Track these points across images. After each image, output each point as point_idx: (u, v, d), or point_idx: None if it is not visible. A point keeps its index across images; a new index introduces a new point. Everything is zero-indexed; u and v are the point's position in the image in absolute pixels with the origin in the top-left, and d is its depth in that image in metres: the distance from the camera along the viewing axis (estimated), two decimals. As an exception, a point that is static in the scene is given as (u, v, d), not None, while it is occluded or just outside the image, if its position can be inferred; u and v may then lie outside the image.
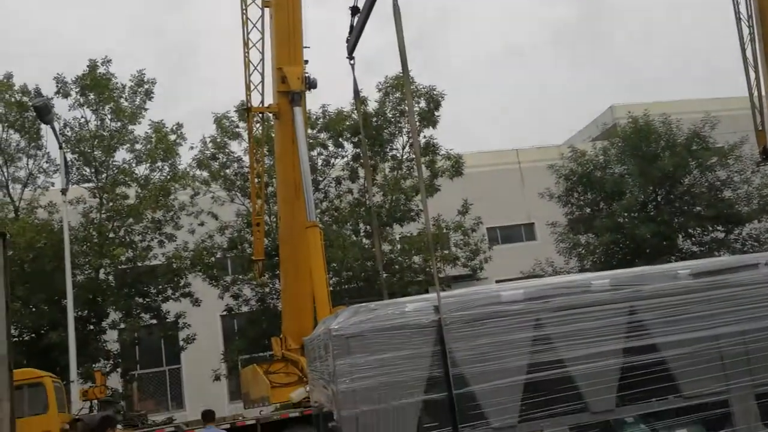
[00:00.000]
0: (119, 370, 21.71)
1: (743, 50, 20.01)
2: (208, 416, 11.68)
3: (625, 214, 23.96)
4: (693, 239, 24.36)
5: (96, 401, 16.15)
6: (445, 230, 21.95)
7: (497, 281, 22.56)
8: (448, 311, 9.43)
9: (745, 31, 20.66)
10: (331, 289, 20.48)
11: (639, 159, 23.70)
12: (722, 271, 10.50)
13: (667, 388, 9.84)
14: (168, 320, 21.19)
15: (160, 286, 20.97)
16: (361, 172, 22.00)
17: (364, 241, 21.47)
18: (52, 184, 22.82)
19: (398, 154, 23.09)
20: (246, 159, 21.16)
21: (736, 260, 11.58)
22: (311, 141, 21.47)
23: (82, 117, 21.53)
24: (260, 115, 18.97)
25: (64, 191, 19.28)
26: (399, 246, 21.03)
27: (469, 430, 9.07)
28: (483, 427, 9.14)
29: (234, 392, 27.55)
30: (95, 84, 21.11)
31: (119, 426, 15.38)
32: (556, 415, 9.45)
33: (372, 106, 21.97)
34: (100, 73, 21.44)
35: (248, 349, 20.98)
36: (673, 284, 10.25)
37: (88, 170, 21.97)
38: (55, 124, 19.62)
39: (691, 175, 24.09)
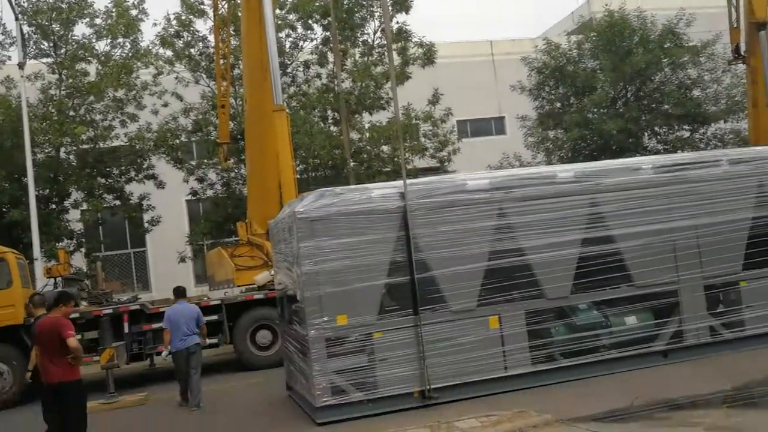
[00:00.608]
0: (83, 250, 21.68)
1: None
2: (179, 292, 11.89)
3: (595, 110, 23.98)
4: (659, 137, 24.60)
5: (60, 278, 16.23)
6: (414, 120, 21.77)
7: (464, 173, 22.69)
8: (414, 198, 9.51)
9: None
10: (298, 176, 20.41)
11: (612, 54, 23.50)
12: (683, 167, 10.69)
13: (621, 277, 10.21)
14: (131, 201, 21.03)
15: (123, 167, 20.68)
16: (331, 57, 21.42)
17: (332, 128, 21.23)
18: (9, 58, 21.89)
19: (369, 39, 22.48)
20: (211, 38, 20.43)
21: (698, 156, 11.78)
22: (279, 22, 20.71)
23: (38, -14, 20.43)
24: (227, -9, 18.27)
25: (21, 65, 18.53)
26: (368, 134, 20.87)
27: (428, 313, 9.36)
28: (442, 310, 9.44)
29: (200, 276, 27.84)
30: (50, -48, 19.92)
31: (84, 303, 15.55)
32: (514, 301, 9.78)
33: (343, -13, 21.19)
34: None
35: (213, 233, 21.04)
36: (635, 178, 10.43)
37: (46, 44, 21.04)
38: (10, -6, 18.66)
39: (662, 72, 24.04)
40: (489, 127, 42.76)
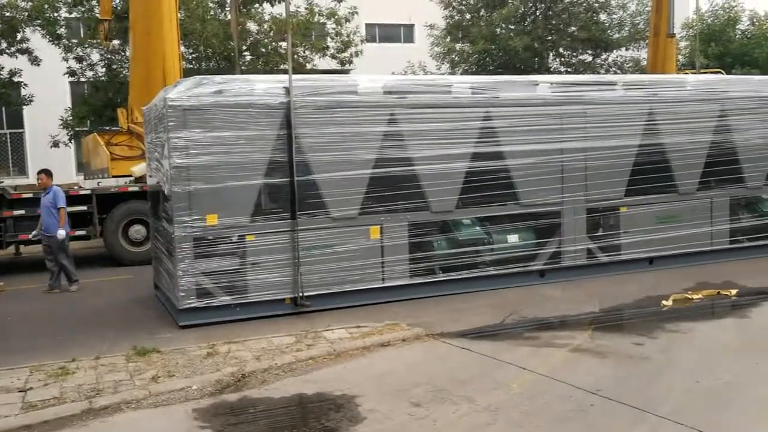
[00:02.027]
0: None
1: None
2: (47, 173, 11.22)
3: (503, 25, 23.63)
4: (563, 59, 24.65)
5: None
6: (318, 16, 20.65)
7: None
8: (300, 94, 8.85)
9: None
10: (189, 66, 19.08)
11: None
12: (579, 87, 10.49)
13: (507, 195, 10.05)
14: (1, 77, 19.08)
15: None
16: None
17: (229, 17, 19.80)
18: None
19: None
20: None
21: (595, 78, 11.66)
22: None
23: None
24: None
25: None
26: (267, 27, 19.63)
27: (307, 218, 8.91)
28: (322, 216, 9.00)
29: (82, 163, 26.23)
30: None
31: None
32: (397, 212, 9.46)
33: None
34: None
35: (92, 118, 19.46)
36: (530, 94, 10.15)
37: None
38: None
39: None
40: (398, 33, 41.76)
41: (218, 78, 9.01)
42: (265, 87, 8.90)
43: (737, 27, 28.24)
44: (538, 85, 10.39)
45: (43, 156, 26.56)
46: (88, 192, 13.54)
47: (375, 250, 9.29)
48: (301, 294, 8.86)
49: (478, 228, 10.01)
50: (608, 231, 10.78)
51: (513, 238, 10.19)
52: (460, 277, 9.80)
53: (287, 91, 8.76)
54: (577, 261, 10.44)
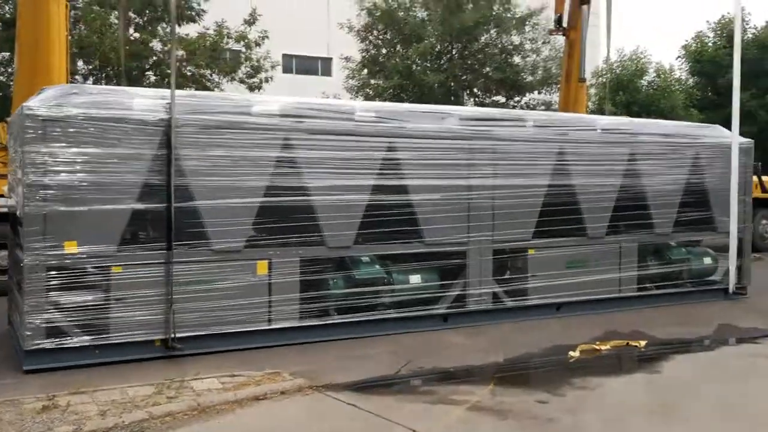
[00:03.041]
0: None
1: None
2: None
3: (419, 60, 23.42)
4: (476, 99, 24.63)
5: None
6: (227, 39, 19.73)
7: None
8: (184, 111, 7.91)
9: None
10: (86, 82, 17.77)
11: (443, 6, 22.94)
12: (490, 121, 9.99)
13: (410, 232, 9.36)
14: None
15: None
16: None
17: (133, 32, 18.66)
18: None
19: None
20: None
21: (506, 113, 11.21)
22: None
23: None
24: None
25: None
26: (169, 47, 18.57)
27: (184, 249, 7.90)
28: (202, 248, 8.02)
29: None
30: None
31: None
32: (289, 245, 8.57)
33: None
34: None
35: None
36: (438, 126, 9.55)
37: None
38: None
39: (488, 34, 23.88)
40: (316, 66, 41.36)
41: (91, 87, 8.01)
42: (145, 101, 7.93)
43: (644, 78, 29.08)
44: (446, 117, 9.81)
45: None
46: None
47: (261, 287, 8.35)
48: (172, 335, 7.80)
49: (377, 266, 9.23)
50: (515, 274, 10.22)
51: (415, 279, 9.47)
52: (356, 319, 8.97)
53: (169, 107, 7.81)
54: (482, 305, 9.80)
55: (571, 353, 8.24)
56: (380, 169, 9.03)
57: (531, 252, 10.19)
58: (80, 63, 17.49)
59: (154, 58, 18.87)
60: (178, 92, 8.02)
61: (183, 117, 7.88)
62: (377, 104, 11.04)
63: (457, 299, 9.67)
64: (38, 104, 7.35)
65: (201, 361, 7.68)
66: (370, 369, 7.56)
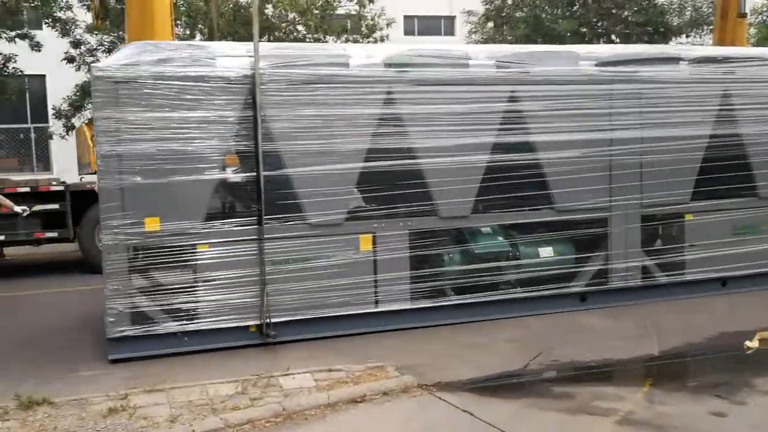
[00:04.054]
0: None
1: None
2: None
3: (548, 8, 21.43)
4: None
5: None
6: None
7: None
8: (270, 65, 6.91)
9: None
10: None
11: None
12: (633, 62, 8.29)
13: (539, 197, 7.94)
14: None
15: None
16: None
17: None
18: None
19: None
20: None
21: (653, 51, 9.41)
22: None
23: None
24: None
25: None
26: (279, 7, 17.80)
27: (277, 224, 6.96)
28: (296, 222, 7.04)
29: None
30: None
31: None
32: (396, 217, 7.43)
33: None
34: None
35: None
36: (570, 69, 8.01)
37: None
38: None
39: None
40: (438, 25, 39.76)
41: (168, 43, 7.18)
42: (225, 55, 7.00)
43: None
44: (580, 58, 8.24)
45: (68, 151, 25.16)
46: (61, 189, 11.84)
47: (366, 265, 7.27)
48: (266, 320, 6.90)
49: (500, 238, 7.91)
50: (669, 244, 8.54)
51: (546, 252, 8.06)
52: (476, 300, 7.72)
53: (253, 60, 6.82)
54: (628, 282, 8.24)
55: (747, 343, 6.54)
56: (501, 124, 7.66)
57: (688, 217, 8.47)
58: (188, 32, 17.07)
59: (266, 24, 18.12)
60: (262, 44, 7.01)
61: (269, 72, 6.87)
62: (495, 47, 9.66)
63: (598, 275, 8.18)
64: (107, 64, 6.58)
65: (296, 350, 6.76)
66: (491, 362, 6.31)
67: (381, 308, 7.35)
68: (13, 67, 17.45)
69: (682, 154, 8.28)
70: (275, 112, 6.91)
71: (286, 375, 5.88)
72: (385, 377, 5.83)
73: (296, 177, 7.00)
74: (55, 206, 11.73)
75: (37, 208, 11.62)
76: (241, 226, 6.92)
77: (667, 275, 8.40)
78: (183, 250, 6.75)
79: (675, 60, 8.58)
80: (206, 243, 6.79)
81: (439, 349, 6.72)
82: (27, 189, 11.67)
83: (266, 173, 6.89)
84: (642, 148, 8.13)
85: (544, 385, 5.79)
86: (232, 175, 7.15)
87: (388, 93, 7.28)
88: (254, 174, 6.90)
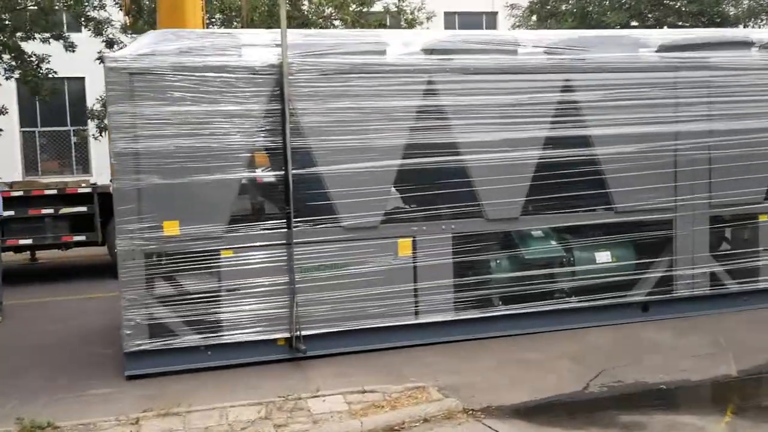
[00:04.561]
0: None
1: None
2: None
3: (596, 0, 20.52)
4: (665, 40, 21.20)
5: None
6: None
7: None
8: (298, 54, 6.31)
9: None
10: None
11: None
12: (700, 47, 7.49)
13: (595, 197, 7.20)
14: (34, 62, 17.50)
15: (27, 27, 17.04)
16: None
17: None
18: None
19: None
20: None
21: (722, 34, 8.56)
22: None
23: None
24: None
25: None
26: (317, 2, 17.29)
27: (307, 228, 6.36)
28: (328, 225, 6.43)
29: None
30: None
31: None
32: (437, 219, 6.77)
33: None
34: None
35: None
36: (630, 56, 7.25)
37: None
38: None
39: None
40: (480, 21, 38.93)
41: (189, 32, 6.65)
42: (250, 44, 6.43)
43: None
44: (639, 43, 7.46)
45: (105, 153, 25.12)
46: (89, 191, 11.46)
47: (405, 272, 6.63)
48: (295, 333, 6.30)
49: (553, 243, 7.19)
50: (741, 249, 7.70)
51: (604, 258, 7.30)
52: (527, 311, 7.01)
53: (281, 49, 6.23)
54: (695, 290, 7.44)
55: (841, 363, 5.74)
56: (554, 117, 6.95)
57: (763, 218, 7.63)
58: (222, 28, 16.65)
59: (299, 19, 17.61)
60: (291, 31, 6.42)
61: (298, 61, 6.28)
62: (546, 32, 8.87)
63: (661, 282, 7.40)
64: (123, 54, 6.05)
65: (328, 366, 6.15)
66: (546, 383, 5.61)
67: (421, 320, 6.69)
68: (47, 68, 17.26)
69: (755, 148, 7.46)
70: (305, 105, 6.31)
71: (315, 396, 5.27)
72: (426, 400, 5.17)
73: (328, 176, 6.39)
74: (83, 209, 11.37)
75: (65, 210, 11.30)
76: (268, 229, 6.34)
77: (738, 283, 7.56)
78: (205, 256, 6.19)
79: (746, 44, 7.73)
80: (230, 248, 6.22)
81: (486, 367, 6.03)
82: (54, 191, 11.33)
83: (295, 172, 6.30)
84: (710, 142, 7.33)
85: (608, 412, 5.06)
86: (259, 174, 6.58)
87: (429, 83, 6.62)
88: (282, 173, 6.31)
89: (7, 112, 17.34)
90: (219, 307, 6.25)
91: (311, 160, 6.38)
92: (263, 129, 6.28)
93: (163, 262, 6.14)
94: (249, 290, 6.27)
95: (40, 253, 13.16)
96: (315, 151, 6.37)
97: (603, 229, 7.30)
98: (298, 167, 6.33)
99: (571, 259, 7.21)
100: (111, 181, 7.06)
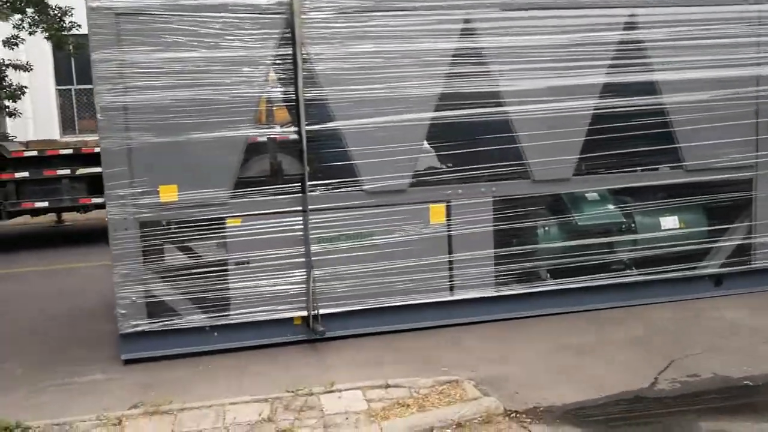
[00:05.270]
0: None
1: None
2: None
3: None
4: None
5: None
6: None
7: None
8: (311, -10, 5.39)
9: None
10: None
11: None
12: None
13: (660, 153, 6.19)
14: (57, 15, 16.92)
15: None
16: None
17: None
18: None
19: None
20: None
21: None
22: None
23: None
24: None
25: None
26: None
27: (324, 193, 5.53)
28: (350, 188, 5.58)
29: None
30: None
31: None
32: (475, 180, 5.86)
33: None
34: None
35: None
36: (709, -16, 6.13)
37: None
38: None
39: None
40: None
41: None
42: (256, -22, 5.51)
43: None
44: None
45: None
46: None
47: (438, 242, 5.76)
48: (313, 312, 5.52)
49: (611, 207, 6.22)
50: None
51: (670, 224, 6.32)
52: (580, 285, 6.10)
53: (291, -17, 5.31)
54: (777, 261, 6.43)
55: None
56: (614, 59, 5.91)
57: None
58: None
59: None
60: (303, -38, 5.47)
61: (311, -2, 5.36)
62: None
63: (738, 252, 6.41)
64: (109, -7, 5.20)
65: (349, 350, 5.38)
66: (604, 375, 4.73)
67: (457, 296, 5.84)
68: (70, 22, 16.61)
69: None
70: (320, 50, 5.41)
71: (330, 392, 4.48)
72: (460, 399, 4.34)
73: (348, 132, 5.51)
74: (99, 169, 10.70)
75: (82, 171, 10.69)
76: (279, 195, 5.52)
77: (829, 252, 6.51)
78: (208, 225, 5.42)
79: None
80: (237, 216, 5.43)
81: (532, 354, 5.17)
82: (70, 151, 10.71)
83: (310, 128, 5.44)
84: (801, 87, 6.21)
85: (685, 416, 4.16)
86: (268, 132, 5.75)
87: (466, 21, 5.65)
88: (295, 129, 5.47)
89: (32, 69, 16.80)
90: (226, 283, 5.49)
91: (328, 114, 5.50)
92: (272, 78, 5.42)
93: (161, 232, 5.38)
94: (260, 264, 5.49)
95: (65, 215, 12.69)
96: (332, 104, 5.48)
97: (670, 190, 6.29)
98: (314, 122, 5.46)
99: (632, 225, 6.24)
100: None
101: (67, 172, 10.60)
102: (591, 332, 5.58)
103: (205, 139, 5.29)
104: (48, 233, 12.67)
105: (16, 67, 16.57)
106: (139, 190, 5.26)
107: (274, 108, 5.89)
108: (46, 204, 10.64)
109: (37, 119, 22.48)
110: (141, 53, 5.15)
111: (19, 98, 16.47)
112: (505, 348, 5.31)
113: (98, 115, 5.22)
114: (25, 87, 16.74)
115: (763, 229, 6.34)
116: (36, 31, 16.99)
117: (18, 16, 16.42)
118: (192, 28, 5.21)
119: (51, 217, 12.74)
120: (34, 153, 10.57)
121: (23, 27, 16.51)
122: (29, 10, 16.60)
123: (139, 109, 5.18)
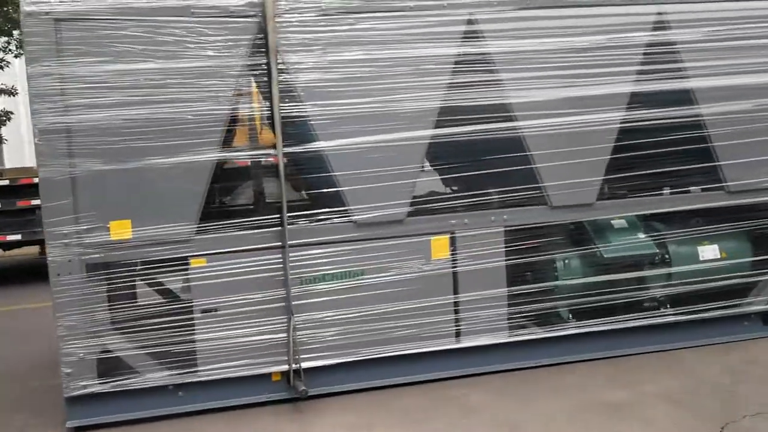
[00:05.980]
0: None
1: None
2: None
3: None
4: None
5: None
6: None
7: None
8: (287, -11, 4.61)
9: None
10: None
11: None
12: None
13: (698, 173, 5.36)
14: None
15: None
16: None
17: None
18: None
19: None
20: None
21: None
22: None
23: None
24: None
25: None
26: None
27: (306, 227, 4.71)
28: (336, 218, 4.76)
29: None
30: None
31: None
32: (483, 207, 5.03)
33: None
34: None
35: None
36: (750, -23, 5.34)
37: None
38: None
39: None
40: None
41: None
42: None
43: None
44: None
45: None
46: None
47: (441, 281, 4.93)
48: (294, 366, 4.68)
49: (641, 235, 5.37)
50: None
51: (710, 254, 5.46)
52: (607, 328, 5.24)
53: (264, -18, 4.54)
54: (834, 295, 5.55)
55: None
56: (642, 65, 5.10)
57: None
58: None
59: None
60: (278, -43, 4.70)
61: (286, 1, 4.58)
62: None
63: (789, 286, 5.54)
64: (47, -5, 4.43)
65: (337, 411, 4.54)
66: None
67: (464, 343, 4.99)
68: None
69: None
70: (299, 58, 4.62)
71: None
72: (468, 484, 3.48)
73: (333, 154, 4.70)
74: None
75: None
76: (254, 229, 4.70)
77: None
78: (169, 266, 4.60)
79: None
80: (202, 255, 4.61)
81: (554, 413, 4.31)
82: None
83: (288, 150, 4.64)
84: None
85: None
86: (239, 155, 4.94)
87: (470, 22, 4.86)
88: (272, 151, 4.66)
89: (17, 94, 16.14)
90: (191, 334, 4.66)
91: (310, 134, 4.70)
92: (242, 92, 4.63)
93: (111, 276, 4.57)
94: (231, 311, 4.66)
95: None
96: (314, 121, 4.68)
97: (709, 215, 5.45)
98: (293, 143, 4.67)
99: (666, 257, 5.39)
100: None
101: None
102: (623, 385, 4.72)
103: (164, 165, 4.49)
104: (32, 267, 11.87)
105: (1, 91, 15.96)
106: (86, 227, 4.44)
107: (262, 128, 5.11)
108: (18, 237, 9.87)
109: (10, 145, 21.67)
110: (86, 65, 4.36)
111: (4, 124, 15.80)
112: (520, 406, 4.45)
113: (35, 140, 4.41)
114: (11, 112, 16.11)
115: (818, 258, 5.49)
116: (22, 54, 16.37)
117: (4, 39, 15.86)
118: (147, 35, 4.42)
119: (33, 249, 12.00)
120: (6, 182, 9.82)
121: (10, 50, 15.94)
122: (15, 32, 16.04)
123: (85, 131, 4.38)
